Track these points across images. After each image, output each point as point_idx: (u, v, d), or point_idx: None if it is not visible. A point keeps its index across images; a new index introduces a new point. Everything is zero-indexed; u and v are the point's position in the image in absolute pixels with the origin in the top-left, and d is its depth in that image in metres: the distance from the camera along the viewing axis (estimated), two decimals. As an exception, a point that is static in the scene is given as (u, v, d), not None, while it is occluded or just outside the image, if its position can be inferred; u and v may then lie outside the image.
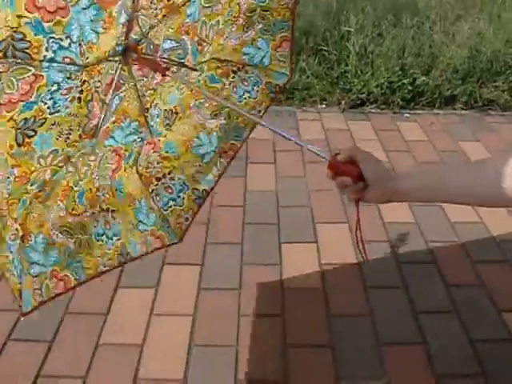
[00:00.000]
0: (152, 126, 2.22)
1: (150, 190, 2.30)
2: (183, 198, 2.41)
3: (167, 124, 2.27)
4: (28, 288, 2.02)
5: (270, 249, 3.56)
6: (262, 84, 2.46)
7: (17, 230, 1.89)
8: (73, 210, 2.05)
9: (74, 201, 2.04)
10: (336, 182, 1.71)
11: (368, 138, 4.87)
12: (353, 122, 5.12)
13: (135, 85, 2.07)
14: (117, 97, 2.00)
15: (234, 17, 2.24)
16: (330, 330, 3.00)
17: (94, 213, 2.12)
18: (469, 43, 5.80)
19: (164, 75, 2.06)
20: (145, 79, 2.10)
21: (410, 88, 5.41)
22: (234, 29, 2.26)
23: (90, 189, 2.08)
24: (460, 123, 5.28)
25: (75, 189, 2.02)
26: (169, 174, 2.34)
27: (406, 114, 5.33)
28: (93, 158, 2.04)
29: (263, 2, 2.26)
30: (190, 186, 2.42)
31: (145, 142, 2.21)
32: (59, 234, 2.04)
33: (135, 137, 2.15)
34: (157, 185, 2.32)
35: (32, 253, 1.97)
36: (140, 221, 2.29)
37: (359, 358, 2.86)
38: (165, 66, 2.03)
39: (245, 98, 2.44)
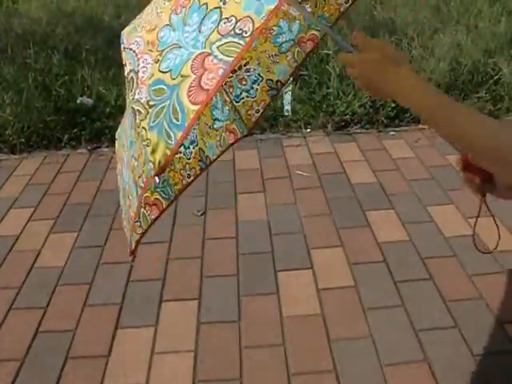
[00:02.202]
0: None
1: (224, 83, 2.25)
2: (256, 90, 2.36)
3: None
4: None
5: (266, 278, 3.56)
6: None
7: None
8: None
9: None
10: (464, 175, 1.62)
11: (355, 159, 4.88)
12: (339, 145, 5.13)
13: None
14: None
15: None
16: (332, 355, 2.99)
17: None
18: (448, 56, 5.84)
19: None
20: None
21: (393, 105, 5.42)
22: None
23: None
24: (446, 137, 5.28)
25: None
26: (245, 65, 2.29)
27: (392, 132, 5.35)
28: None
29: None
30: (264, 77, 2.36)
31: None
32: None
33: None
34: (231, 77, 2.28)
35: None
36: (215, 118, 2.26)
37: (363, 381, 2.85)
38: None
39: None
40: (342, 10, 2.37)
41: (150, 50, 1.78)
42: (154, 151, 1.72)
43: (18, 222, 4.26)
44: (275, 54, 2.32)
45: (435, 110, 1.50)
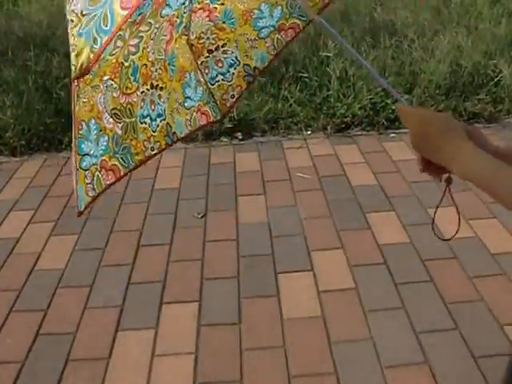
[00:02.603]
0: None
1: (200, 62, 2.22)
2: (233, 74, 2.31)
3: None
4: (81, 184, 2.04)
5: (267, 280, 3.56)
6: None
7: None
8: (127, 88, 1.98)
9: (129, 78, 1.97)
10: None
11: (355, 161, 4.88)
12: (339, 147, 5.13)
13: None
14: None
15: None
16: (333, 358, 2.99)
17: (143, 91, 2.03)
18: (449, 58, 5.83)
19: None
20: None
21: (393, 107, 5.42)
22: None
23: (146, 64, 1.99)
24: (446, 139, 5.28)
25: (126, 64, 1.94)
26: (222, 46, 2.26)
27: (392, 134, 5.34)
28: (146, 28, 1.91)
29: None
30: (241, 61, 2.31)
31: (195, 5, 2.10)
32: (109, 119, 1.99)
33: None
34: (208, 57, 2.25)
35: (84, 143, 1.93)
36: (187, 97, 2.21)
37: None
38: None
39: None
40: (326, 1, 2.30)
41: None
42: (78, 55, 1.67)
43: (19, 225, 4.26)
44: (254, 39, 2.29)
45: (495, 181, 1.47)
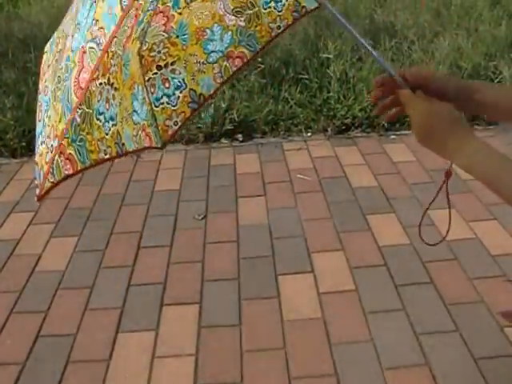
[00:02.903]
0: None
1: (147, 78, 2.11)
2: (178, 98, 2.18)
3: None
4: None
5: (267, 282, 3.56)
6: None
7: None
8: (93, 73, 1.85)
9: (92, 60, 1.83)
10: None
11: (356, 163, 4.89)
12: (339, 148, 5.13)
13: None
14: None
15: None
16: (333, 359, 2.99)
17: (101, 83, 1.91)
18: (449, 59, 5.84)
19: None
20: None
21: (393, 109, 5.40)
22: None
23: (107, 53, 1.84)
24: (446, 140, 5.27)
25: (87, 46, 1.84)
26: (171, 64, 2.14)
27: (392, 136, 5.34)
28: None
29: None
30: (188, 85, 2.20)
31: (158, 6, 2.02)
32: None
33: None
34: (156, 73, 2.13)
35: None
36: (135, 110, 2.07)
37: (365, 385, 2.86)
38: None
39: (269, 7, 2.24)
40: (273, 34, 2.28)
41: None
42: (60, 120, 1.68)
43: (19, 226, 4.26)
44: (203, 62, 2.20)
45: (499, 178, 1.45)
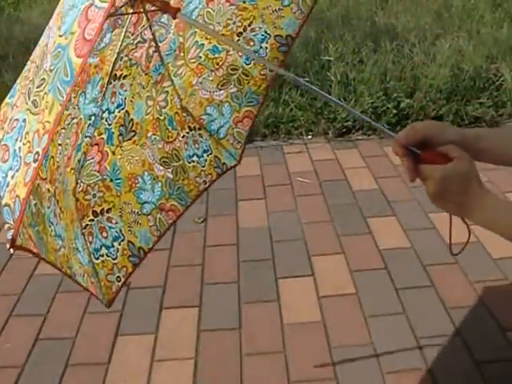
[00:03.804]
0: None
1: (84, 225, 1.98)
2: (117, 250, 2.07)
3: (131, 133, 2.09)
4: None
5: (267, 285, 3.55)
6: (211, 155, 2.39)
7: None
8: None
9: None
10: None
11: (356, 165, 4.88)
12: (340, 151, 5.13)
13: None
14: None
15: (217, 63, 2.23)
16: (333, 363, 2.98)
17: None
18: (450, 62, 5.82)
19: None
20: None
21: (394, 112, 5.41)
22: (211, 77, 2.23)
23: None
24: (447, 143, 5.26)
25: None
26: (107, 212, 2.03)
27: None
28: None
29: (248, 65, 2.25)
30: (126, 236, 2.10)
31: (94, 135, 1.96)
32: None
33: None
34: (92, 220, 2.00)
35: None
36: (77, 248, 1.93)
37: (365, 389, 2.85)
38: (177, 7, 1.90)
39: (193, 161, 2.32)
40: (200, 189, 2.36)
41: (56, 20, 1.82)
42: (50, 112, 1.64)
43: (19, 229, 4.24)
44: (137, 213, 2.14)
45: None
